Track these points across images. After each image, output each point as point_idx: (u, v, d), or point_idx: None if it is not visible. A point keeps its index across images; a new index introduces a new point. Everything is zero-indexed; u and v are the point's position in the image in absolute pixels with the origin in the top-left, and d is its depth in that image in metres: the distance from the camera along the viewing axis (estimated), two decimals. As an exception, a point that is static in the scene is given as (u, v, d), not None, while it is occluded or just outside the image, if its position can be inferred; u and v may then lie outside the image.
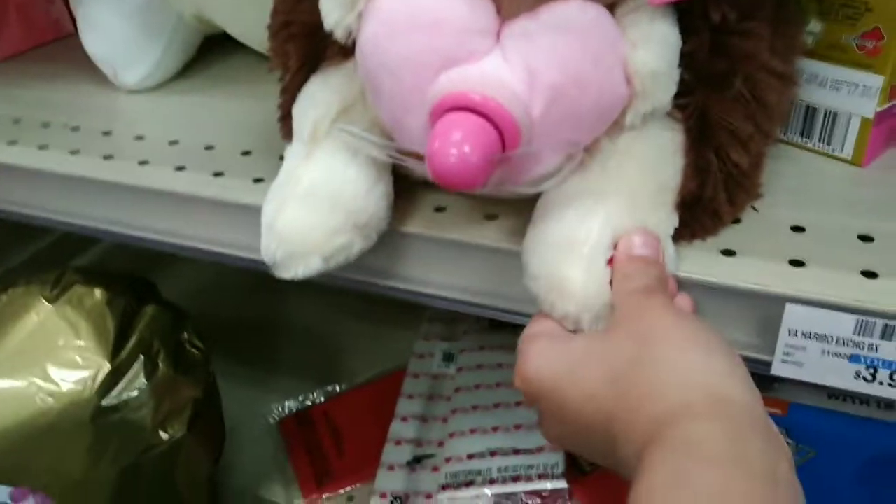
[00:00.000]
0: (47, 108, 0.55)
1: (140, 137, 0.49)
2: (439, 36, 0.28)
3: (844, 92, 0.38)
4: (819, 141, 0.40)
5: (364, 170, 0.34)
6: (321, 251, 0.34)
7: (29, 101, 0.57)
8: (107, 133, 0.50)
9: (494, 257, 0.36)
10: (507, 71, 0.28)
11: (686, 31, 0.30)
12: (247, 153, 0.46)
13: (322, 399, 0.70)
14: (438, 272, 0.38)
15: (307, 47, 0.35)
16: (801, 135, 0.41)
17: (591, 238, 0.30)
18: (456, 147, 0.27)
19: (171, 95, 0.56)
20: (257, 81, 0.55)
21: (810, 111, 0.40)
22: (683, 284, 0.33)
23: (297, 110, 0.36)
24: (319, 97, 0.35)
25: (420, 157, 0.28)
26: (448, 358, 0.68)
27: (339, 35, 0.31)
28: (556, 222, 0.31)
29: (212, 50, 0.61)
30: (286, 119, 0.39)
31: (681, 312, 0.30)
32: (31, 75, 0.62)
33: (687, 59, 0.30)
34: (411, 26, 0.28)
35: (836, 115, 0.39)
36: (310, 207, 0.34)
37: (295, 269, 0.34)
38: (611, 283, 0.30)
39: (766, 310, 0.32)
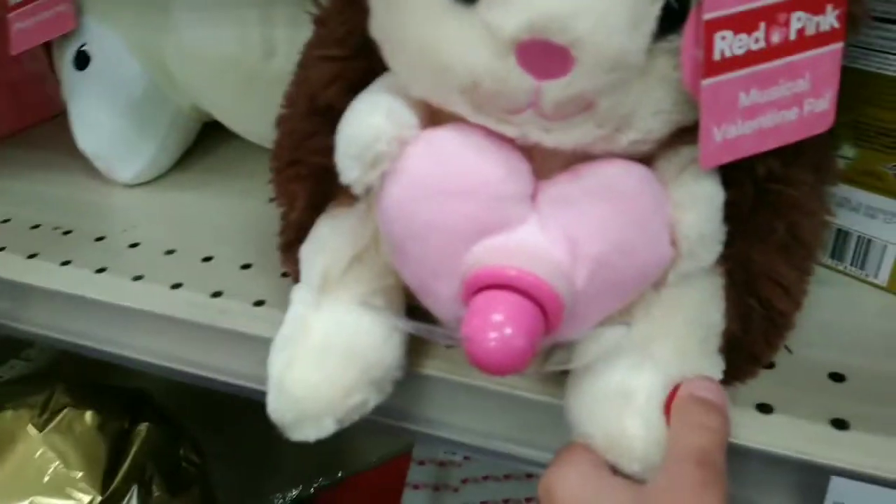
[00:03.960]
0: (39, 205, 0.52)
1: (134, 245, 0.46)
2: (473, 203, 0.25)
3: (880, 220, 0.36)
4: (851, 265, 0.38)
5: (380, 319, 0.32)
6: (334, 412, 0.31)
7: (20, 196, 0.54)
8: (100, 238, 0.47)
9: (517, 405, 0.33)
10: (546, 241, 0.25)
11: (727, 181, 0.27)
12: (247, 266, 0.43)
13: (325, 486, 0.67)
14: (457, 415, 0.35)
15: (315, 188, 0.32)
16: (832, 257, 0.38)
17: (645, 387, 0.28)
18: (496, 330, 0.24)
19: (167, 191, 0.53)
20: (256, 174, 0.52)
21: (842, 235, 0.37)
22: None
23: (306, 254, 0.33)
24: (330, 244, 0.32)
25: (454, 340, 0.26)
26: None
27: (357, 191, 0.27)
28: (605, 373, 0.28)
29: (209, 135, 0.58)
30: (287, 250, 0.36)
31: None
32: (23, 162, 0.59)
33: (729, 210, 0.27)
34: (442, 192, 0.26)
35: (869, 241, 0.36)
36: (321, 365, 0.31)
37: (306, 431, 0.31)
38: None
39: (809, 477, 0.29)
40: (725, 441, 0.27)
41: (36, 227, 0.49)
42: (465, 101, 0.25)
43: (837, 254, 0.38)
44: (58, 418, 0.45)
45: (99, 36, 0.50)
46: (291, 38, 0.45)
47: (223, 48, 0.47)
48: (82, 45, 0.51)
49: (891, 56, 0.33)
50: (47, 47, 0.57)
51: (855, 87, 0.34)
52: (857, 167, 0.36)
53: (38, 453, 0.43)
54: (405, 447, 0.69)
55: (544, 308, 0.25)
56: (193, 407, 0.56)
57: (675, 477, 0.26)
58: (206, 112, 0.53)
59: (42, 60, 0.66)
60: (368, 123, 0.26)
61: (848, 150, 0.36)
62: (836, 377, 0.32)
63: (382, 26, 0.27)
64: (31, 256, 0.46)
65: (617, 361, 0.28)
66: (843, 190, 0.37)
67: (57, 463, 0.43)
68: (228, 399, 0.42)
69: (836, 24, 0.25)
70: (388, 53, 0.27)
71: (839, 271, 0.38)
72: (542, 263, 0.25)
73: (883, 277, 0.37)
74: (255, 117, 0.50)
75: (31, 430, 0.44)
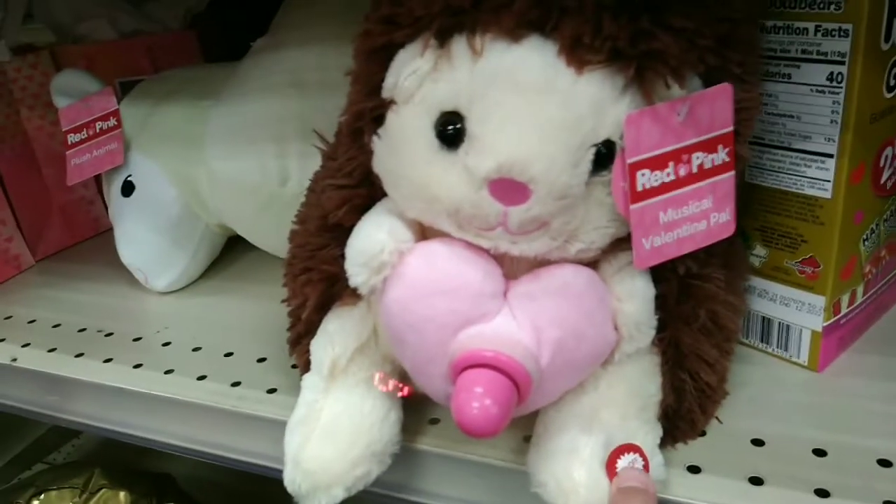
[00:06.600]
0: (85, 312, 0.57)
1: (167, 343, 0.52)
2: (458, 300, 0.31)
3: (793, 308, 0.41)
4: (777, 347, 0.43)
5: (379, 401, 0.37)
6: (343, 482, 0.35)
7: (69, 304, 0.59)
8: (137, 339, 0.52)
9: (489, 472, 0.38)
10: (516, 329, 0.30)
11: (657, 279, 0.33)
12: (262, 360, 0.48)
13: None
14: (440, 484, 0.39)
15: (325, 293, 0.37)
16: (761, 340, 0.44)
17: (590, 443, 0.32)
18: (478, 400, 0.28)
19: (195, 296, 0.59)
20: (270, 280, 0.59)
21: (766, 321, 0.43)
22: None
23: (316, 346, 0.38)
24: (337, 338, 0.37)
25: None
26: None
27: (363, 292, 0.33)
28: (558, 436, 0.33)
29: (232, 247, 0.64)
30: (296, 344, 0.41)
31: None
32: (70, 275, 0.65)
33: (659, 301, 0.33)
34: (434, 291, 0.31)
35: (788, 327, 0.42)
36: (332, 442, 0.35)
37: (318, 499, 0.35)
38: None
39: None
40: None
41: (82, 330, 0.55)
42: (450, 222, 0.31)
43: (765, 337, 0.44)
44: (95, 498, 0.49)
45: (142, 168, 0.57)
46: (302, 167, 0.52)
47: (246, 176, 0.54)
48: (128, 176, 0.57)
49: (781, 175, 0.40)
50: (97, 176, 0.67)
51: (760, 200, 0.41)
52: (768, 264, 0.42)
53: (79, 528, 0.48)
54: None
55: (517, 383, 0.30)
56: (217, 488, 0.60)
57: None
58: (231, 228, 0.59)
59: (91, 186, 0.75)
60: (375, 238, 0.32)
61: (760, 250, 0.42)
62: (757, 442, 0.37)
63: (384, 165, 0.33)
64: (79, 356, 0.51)
65: (567, 425, 0.33)
66: (762, 283, 0.42)
67: (95, 537, 0.48)
68: (251, 480, 0.47)
69: (727, 159, 0.31)
70: (388, 185, 0.33)
71: (768, 353, 0.44)
72: (514, 346, 0.30)
73: (804, 357, 0.42)
74: (272, 232, 0.57)
75: (74, 507, 0.50)
